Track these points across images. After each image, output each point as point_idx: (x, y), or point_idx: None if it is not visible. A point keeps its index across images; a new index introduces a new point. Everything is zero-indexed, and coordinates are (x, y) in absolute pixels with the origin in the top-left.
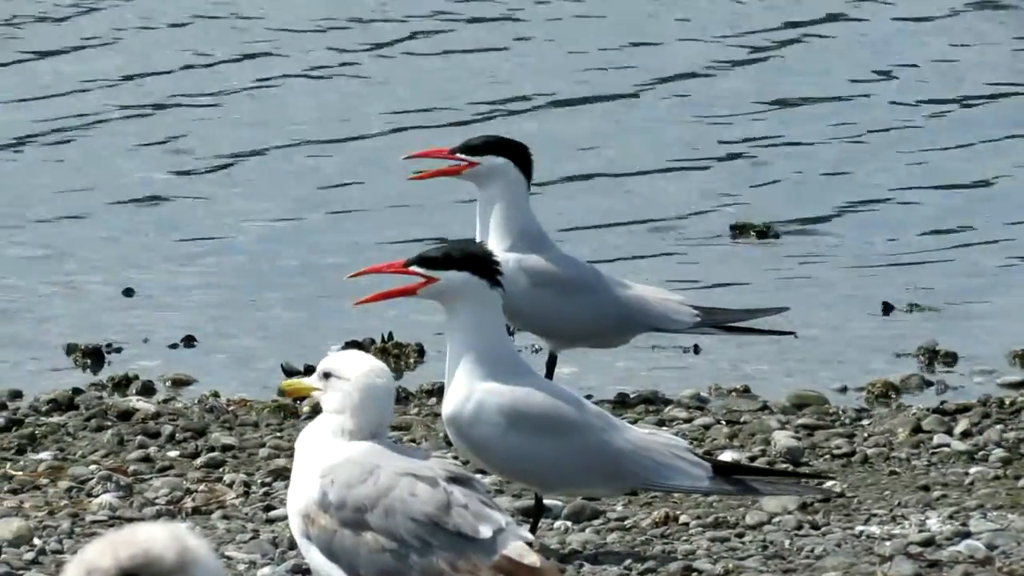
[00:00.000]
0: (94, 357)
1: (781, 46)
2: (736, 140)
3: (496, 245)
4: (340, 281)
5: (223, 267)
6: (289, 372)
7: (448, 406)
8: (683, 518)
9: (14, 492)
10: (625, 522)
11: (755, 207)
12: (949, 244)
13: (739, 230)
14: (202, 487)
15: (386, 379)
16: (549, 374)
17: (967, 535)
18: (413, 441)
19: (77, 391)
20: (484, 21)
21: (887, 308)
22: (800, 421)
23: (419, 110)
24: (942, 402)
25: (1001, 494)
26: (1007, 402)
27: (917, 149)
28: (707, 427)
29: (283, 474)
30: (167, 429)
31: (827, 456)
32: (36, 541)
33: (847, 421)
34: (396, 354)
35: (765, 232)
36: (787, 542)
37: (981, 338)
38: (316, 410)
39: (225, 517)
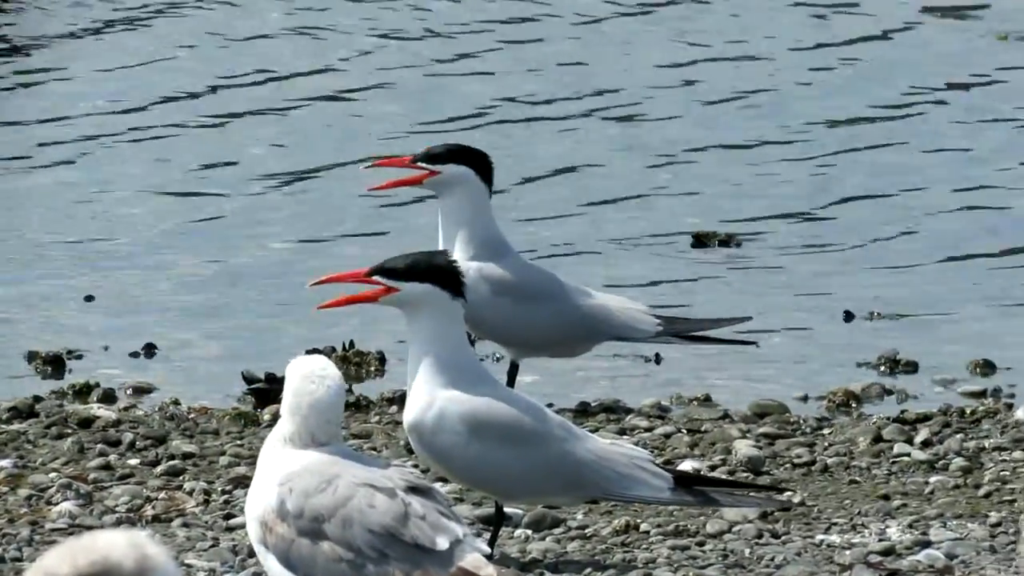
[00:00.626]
0: (55, 364)
1: (739, 52)
2: (698, 148)
3: (458, 253)
4: (301, 289)
5: (184, 275)
6: (250, 380)
7: (409, 414)
8: (644, 526)
9: None
10: (586, 531)
11: (717, 216)
12: (911, 253)
13: (701, 239)
14: (162, 495)
15: (318, 384)
16: (511, 383)
17: (927, 544)
18: (374, 449)
19: (37, 398)
20: (450, 36)
21: (848, 317)
22: (761, 430)
23: (390, 121)
24: (903, 411)
25: (961, 503)
26: (967, 411)
27: (879, 158)
28: (668, 436)
29: (243, 482)
30: (128, 437)
31: (788, 465)
32: None
33: (808, 430)
34: (357, 362)
35: (727, 241)
36: (747, 551)
37: (942, 347)
38: (276, 417)
39: (185, 525)
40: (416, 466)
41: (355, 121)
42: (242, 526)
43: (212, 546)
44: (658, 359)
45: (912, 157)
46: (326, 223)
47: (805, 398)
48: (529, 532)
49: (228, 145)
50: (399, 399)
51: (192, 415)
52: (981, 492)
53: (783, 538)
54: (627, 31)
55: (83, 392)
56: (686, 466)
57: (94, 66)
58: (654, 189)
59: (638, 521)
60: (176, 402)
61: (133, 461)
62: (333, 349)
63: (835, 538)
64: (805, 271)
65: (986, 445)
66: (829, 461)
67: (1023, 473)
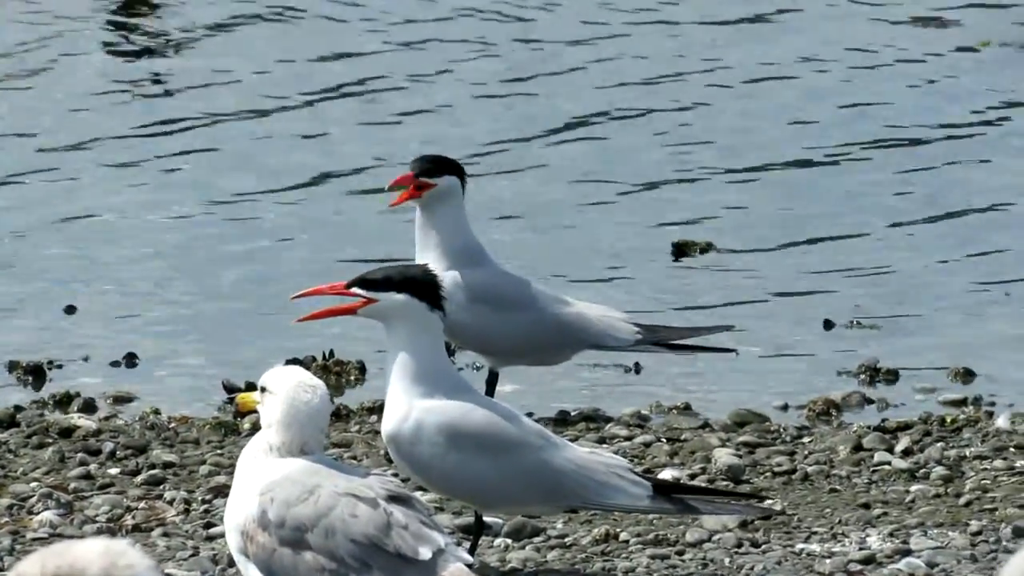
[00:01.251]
0: (35, 374)
1: (715, 63)
2: (678, 157)
3: (436, 262)
4: (281, 299)
5: (165, 285)
6: (230, 389)
7: (387, 424)
8: (623, 535)
9: None
10: (565, 539)
11: (697, 225)
12: (891, 261)
13: (681, 248)
14: (143, 504)
15: (313, 395)
16: (490, 392)
17: (908, 553)
18: (354, 458)
19: (18, 408)
20: (421, 47)
21: (828, 325)
22: (741, 439)
23: (361, 132)
24: (883, 420)
25: (942, 512)
26: (948, 420)
27: (858, 167)
28: (648, 445)
29: (224, 491)
30: (108, 446)
31: (768, 474)
32: None
33: (788, 439)
34: (337, 372)
35: (707, 249)
36: (727, 560)
37: (923, 356)
38: (256, 427)
39: (165, 534)
40: (396, 475)
41: (334, 133)
42: (222, 535)
43: (192, 555)
44: (638, 368)
45: (891, 165)
46: (308, 234)
47: (785, 407)
48: (509, 541)
49: (209, 158)
50: (379, 408)
51: (172, 424)
52: (962, 501)
53: (763, 547)
54: (607, 42)
55: (64, 402)
56: (666, 475)
57: (59, 81)
58: (634, 198)
59: (618, 530)
60: (156, 411)
61: (113, 471)
62: (313, 358)
63: (815, 547)
64: (785, 280)
65: (967, 454)
66: (809, 470)
67: (1004, 482)
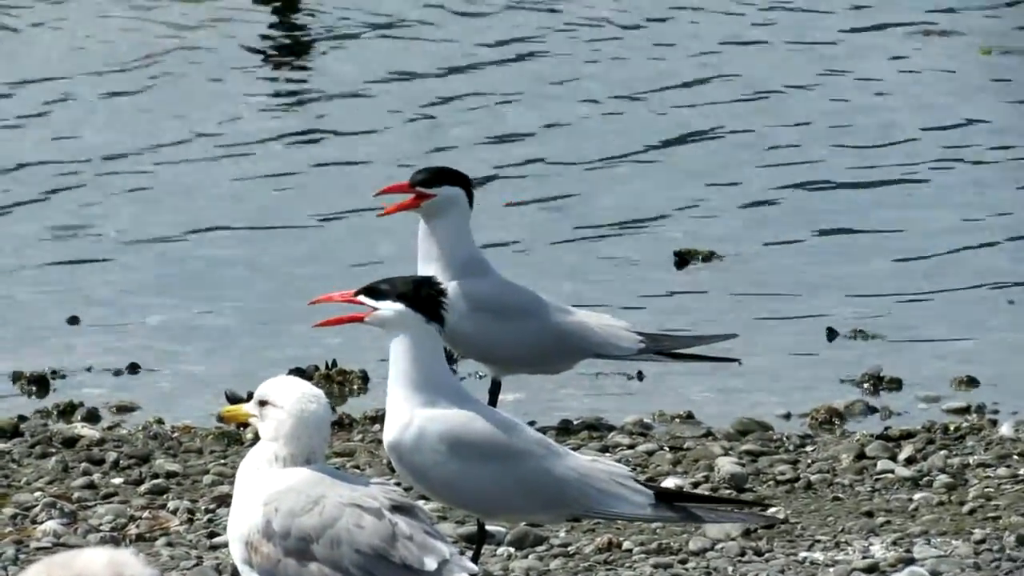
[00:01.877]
0: (39, 384)
1: (720, 67)
2: (681, 167)
3: (439, 272)
4: (284, 309)
5: (167, 295)
6: (233, 399)
7: (389, 433)
8: (626, 544)
9: None
10: (568, 548)
11: (700, 233)
12: (894, 270)
13: (684, 257)
14: (146, 514)
15: (319, 405)
16: (492, 401)
17: (911, 561)
18: (357, 467)
19: (22, 418)
20: (426, 42)
21: (831, 334)
22: (744, 447)
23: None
24: (886, 428)
25: (945, 520)
26: (951, 428)
27: (863, 176)
28: (651, 453)
29: (227, 501)
30: (111, 456)
31: (771, 482)
32: None
33: (791, 447)
34: (340, 381)
35: (709, 258)
36: (730, 568)
37: (926, 364)
38: (259, 437)
39: (169, 544)
40: (398, 484)
41: (335, 146)
42: (226, 545)
43: (196, 565)
44: (640, 376)
45: (895, 177)
46: (309, 244)
47: (788, 415)
48: (512, 550)
49: (212, 163)
50: (382, 418)
51: (176, 434)
52: (965, 509)
53: (766, 555)
54: (607, 49)
55: (67, 411)
56: (669, 483)
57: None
58: (637, 208)
59: (621, 539)
60: (160, 421)
61: (117, 480)
62: (316, 368)
63: (818, 555)
64: (788, 288)
65: (970, 462)
66: (812, 478)
67: (1007, 490)
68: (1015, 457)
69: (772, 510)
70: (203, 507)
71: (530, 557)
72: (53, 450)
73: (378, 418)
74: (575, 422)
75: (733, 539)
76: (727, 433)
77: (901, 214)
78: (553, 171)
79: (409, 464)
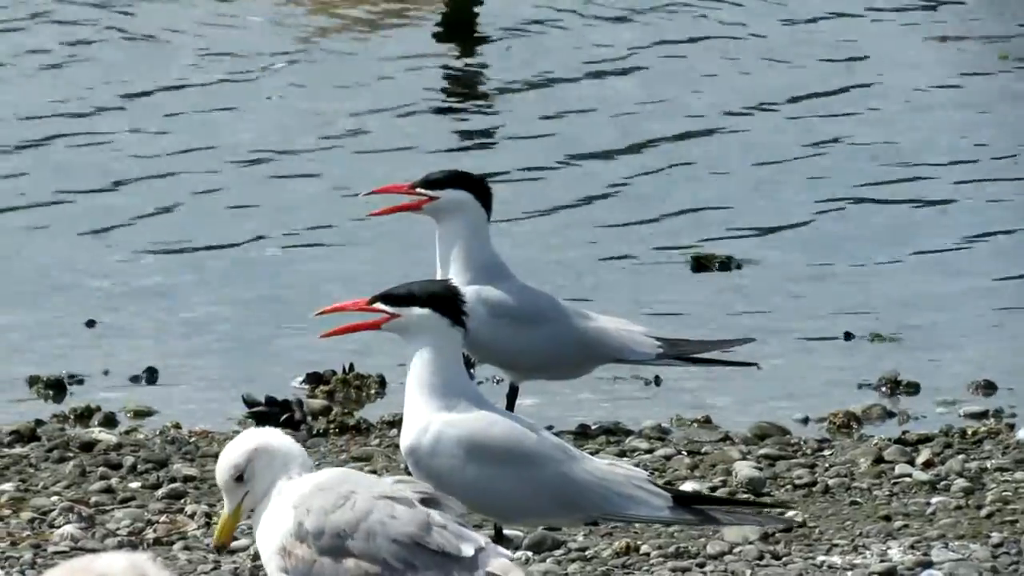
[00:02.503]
0: (56, 389)
1: (740, 82)
2: (696, 172)
3: (456, 278)
4: (302, 312)
5: (185, 299)
6: (250, 403)
7: (406, 438)
8: (644, 548)
9: None
10: (586, 552)
11: (717, 239)
12: (912, 274)
13: (701, 262)
14: (163, 518)
15: (274, 431)
16: (510, 406)
17: (929, 565)
18: (374, 472)
19: (39, 422)
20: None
21: (849, 338)
22: (761, 451)
23: (387, 146)
24: (904, 432)
25: (963, 524)
26: (969, 432)
27: (881, 180)
28: (668, 458)
29: None
30: (129, 460)
31: (788, 486)
32: None
33: (809, 451)
34: (357, 385)
35: (727, 264)
36: (748, 572)
37: (943, 368)
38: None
39: (187, 548)
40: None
41: (359, 147)
42: (243, 549)
43: (214, 569)
44: (658, 381)
45: (915, 180)
46: (328, 248)
47: (806, 419)
48: (530, 554)
49: (224, 171)
50: (399, 422)
51: (193, 438)
52: (983, 513)
53: (784, 559)
54: (622, 49)
55: (84, 416)
56: (687, 488)
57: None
58: (653, 213)
59: (639, 543)
60: (177, 425)
61: (134, 484)
62: (333, 372)
63: (836, 559)
64: (805, 292)
65: (988, 466)
66: (830, 482)
67: None
68: None
69: (790, 514)
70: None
71: (548, 561)
72: (70, 454)
73: (395, 422)
74: (593, 427)
75: (751, 543)
76: (745, 437)
77: (919, 219)
78: (568, 176)
79: (426, 469)
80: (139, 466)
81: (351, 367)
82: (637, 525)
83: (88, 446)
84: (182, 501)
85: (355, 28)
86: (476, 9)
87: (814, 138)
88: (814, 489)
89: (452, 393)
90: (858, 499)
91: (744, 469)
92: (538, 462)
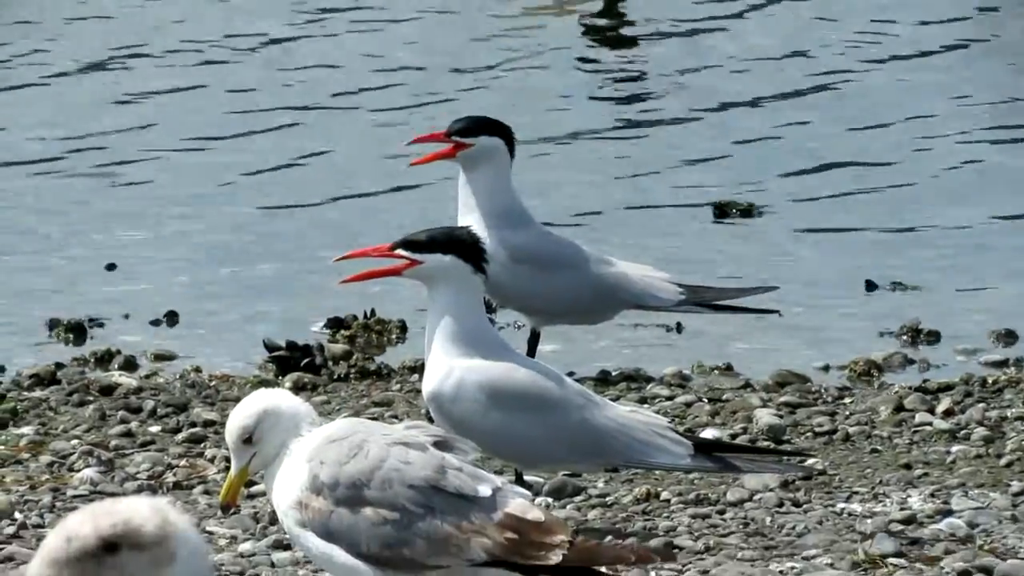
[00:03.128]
0: (76, 332)
1: (763, 25)
2: (718, 118)
3: (479, 223)
4: (323, 258)
5: (206, 243)
6: (271, 347)
7: (428, 384)
8: (664, 495)
9: None
10: (606, 499)
11: (738, 186)
12: (933, 222)
13: (722, 209)
14: (183, 462)
15: (283, 392)
16: (531, 351)
17: (949, 513)
18: (395, 417)
19: (59, 366)
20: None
21: (870, 286)
22: (782, 399)
23: (411, 91)
24: (924, 380)
25: (983, 473)
26: (989, 381)
27: (904, 128)
28: (689, 405)
29: None
30: (149, 404)
31: (809, 434)
32: (17, 515)
33: (829, 399)
34: (379, 330)
35: (748, 211)
36: (768, 519)
37: (964, 317)
38: (297, 385)
39: (206, 492)
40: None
41: (376, 95)
42: (263, 494)
43: (233, 513)
44: (679, 328)
45: (937, 129)
46: (349, 193)
47: (827, 367)
48: (550, 500)
49: (251, 114)
50: (420, 367)
51: (213, 383)
52: (1003, 462)
53: (804, 507)
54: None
55: (104, 359)
56: (707, 435)
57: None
58: (675, 159)
59: (659, 489)
60: (197, 369)
61: (154, 428)
62: (355, 317)
63: (856, 507)
64: (826, 240)
65: (1008, 415)
66: (850, 430)
67: None
68: None
69: (810, 461)
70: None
71: (568, 507)
72: (90, 398)
73: (417, 368)
74: (614, 373)
75: (771, 490)
76: (765, 385)
77: (942, 166)
78: (589, 123)
79: (448, 414)
80: (159, 410)
81: (372, 312)
82: (657, 472)
83: (108, 390)
84: (202, 445)
85: None
86: None
87: (836, 84)
88: (834, 437)
89: (473, 339)
90: (878, 447)
91: (765, 416)
92: (559, 408)
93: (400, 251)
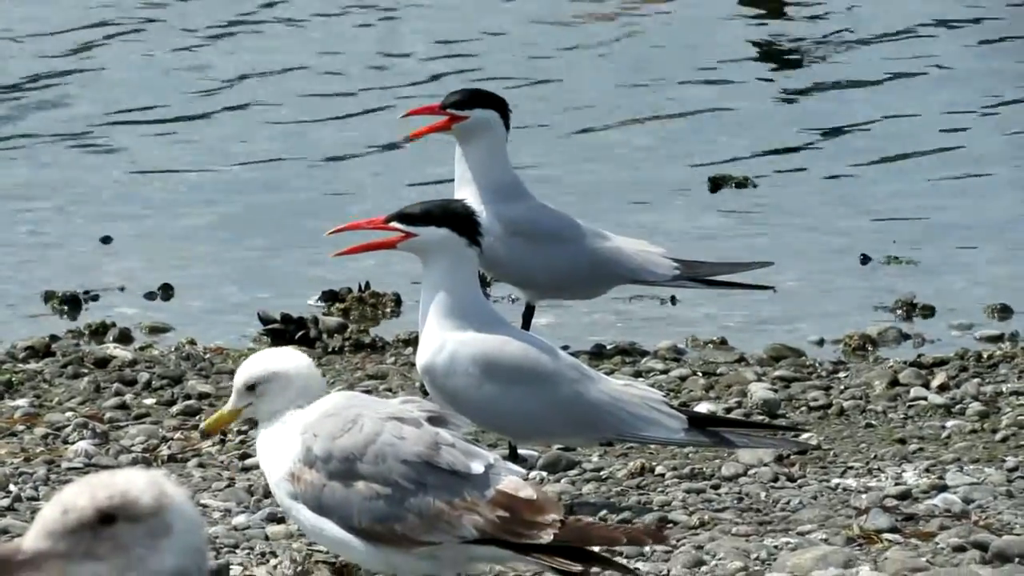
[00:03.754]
0: (71, 304)
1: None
2: (715, 92)
3: (475, 196)
4: (318, 230)
5: (201, 216)
6: (266, 320)
7: (422, 357)
8: (659, 469)
9: None
10: (601, 473)
11: (733, 159)
12: (928, 196)
13: (717, 183)
14: (178, 435)
15: (304, 356)
16: (526, 325)
17: (943, 489)
18: (389, 390)
19: (54, 338)
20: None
21: (865, 260)
22: (777, 373)
23: (412, 65)
24: (919, 355)
25: (978, 448)
26: (984, 355)
27: (899, 102)
28: (683, 379)
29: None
30: (143, 377)
31: (803, 408)
32: (12, 488)
33: (824, 373)
34: (373, 303)
35: (744, 184)
36: (763, 494)
37: (959, 291)
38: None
39: (201, 465)
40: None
41: (371, 66)
42: (257, 467)
43: (228, 486)
44: (674, 301)
45: (934, 103)
46: (344, 166)
47: (821, 341)
48: (544, 474)
49: (246, 89)
50: (414, 340)
51: (208, 355)
52: (998, 437)
53: (799, 481)
54: None
55: (99, 332)
56: (701, 408)
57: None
58: (670, 133)
59: (653, 464)
60: (192, 342)
61: (149, 401)
62: (349, 290)
63: (851, 482)
64: (822, 214)
65: (1003, 390)
66: (845, 404)
67: None
68: None
69: (805, 436)
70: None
71: (562, 481)
72: (85, 370)
73: (411, 341)
74: (608, 347)
75: (766, 465)
76: (760, 359)
77: (939, 140)
78: (582, 96)
79: (442, 388)
80: (154, 382)
81: (367, 285)
82: (652, 446)
83: (103, 362)
84: (197, 418)
85: None
86: None
87: (831, 58)
88: (829, 411)
89: (467, 312)
90: (873, 422)
91: (759, 391)
92: (553, 381)
93: (395, 224)
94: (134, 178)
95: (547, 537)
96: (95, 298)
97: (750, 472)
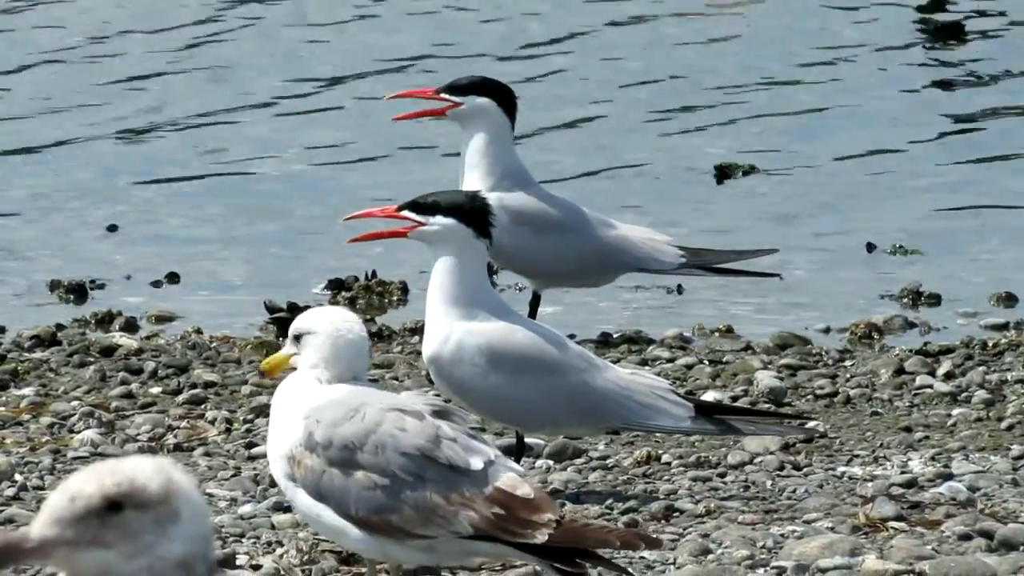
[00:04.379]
0: (77, 293)
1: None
2: (722, 79)
3: (479, 184)
4: (325, 219)
5: (207, 204)
6: (272, 309)
7: (428, 346)
8: (665, 457)
9: None
10: (607, 461)
11: (740, 148)
12: (934, 185)
13: (724, 171)
14: (184, 424)
15: (356, 326)
16: (532, 314)
17: (949, 477)
18: (396, 379)
19: (60, 327)
20: None
21: (871, 249)
22: (783, 361)
23: (417, 55)
24: (925, 343)
25: (983, 436)
26: (990, 344)
27: (907, 90)
28: (690, 367)
29: (265, 411)
30: (149, 365)
31: (810, 396)
32: (17, 477)
33: (830, 362)
34: (380, 292)
35: (749, 172)
36: (769, 482)
37: (965, 280)
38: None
39: (207, 454)
40: (437, 396)
41: (379, 54)
42: (264, 455)
43: (234, 475)
44: (680, 290)
45: (938, 89)
46: (351, 154)
47: (827, 330)
48: (551, 463)
49: (250, 77)
50: (421, 329)
51: (214, 344)
52: (1003, 425)
53: (805, 470)
54: None
55: (105, 321)
56: (708, 397)
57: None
58: (677, 121)
59: (660, 452)
60: (198, 331)
61: (155, 390)
62: (356, 278)
63: (857, 470)
64: (828, 203)
65: (1009, 378)
66: (851, 393)
67: None
68: None
69: (811, 424)
70: (241, 417)
71: (569, 470)
72: (91, 359)
73: (417, 330)
74: (615, 335)
75: (772, 453)
76: (766, 347)
77: (945, 129)
78: (590, 87)
79: (448, 377)
80: (160, 371)
81: (373, 273)
82: (658, 435)
83: (109, 351)
84: (203, 407)
85: None
86: None
87: (836, 45)
88: (835, 399)
89: (474, 302)
90: (879, 410)
91: (765, 379)
92: (560, 370)
93: (406, 212)
94: (140, 167)
95: (542, 537)
96: (101, 287)
97: (756, 460)
